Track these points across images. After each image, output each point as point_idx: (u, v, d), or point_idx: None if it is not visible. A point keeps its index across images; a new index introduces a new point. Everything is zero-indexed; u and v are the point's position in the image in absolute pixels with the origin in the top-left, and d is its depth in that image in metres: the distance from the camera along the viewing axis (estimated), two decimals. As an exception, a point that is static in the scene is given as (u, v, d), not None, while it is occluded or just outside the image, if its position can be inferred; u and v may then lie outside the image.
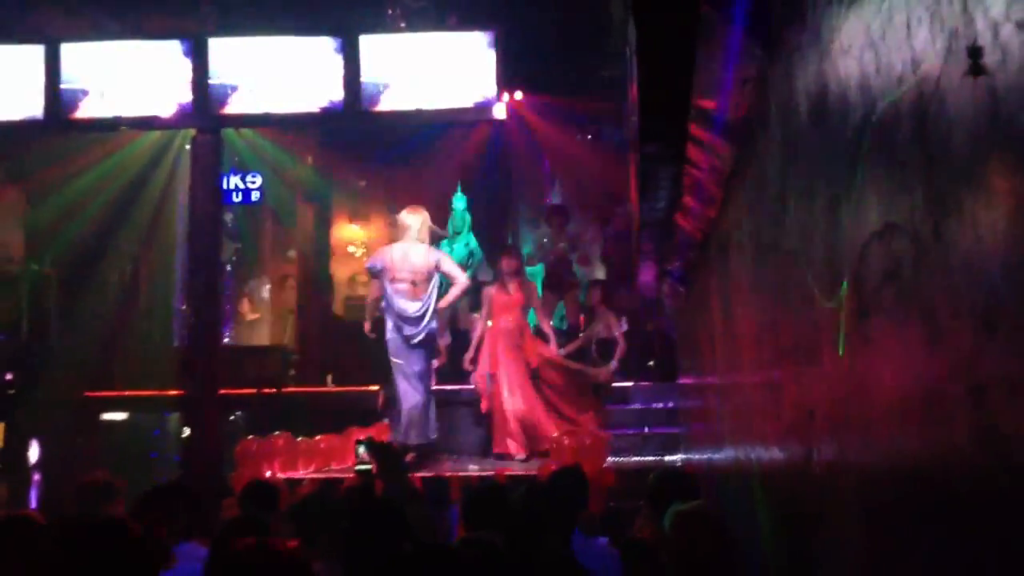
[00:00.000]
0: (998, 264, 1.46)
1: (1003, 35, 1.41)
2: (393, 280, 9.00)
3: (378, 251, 9.85)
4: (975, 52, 1.51)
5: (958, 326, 1.62)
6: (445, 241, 12.28)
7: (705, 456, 6.81)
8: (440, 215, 12.77)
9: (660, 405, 9.88)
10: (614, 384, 10.12)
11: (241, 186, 14.96)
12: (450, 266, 9.32)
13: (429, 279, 9.08)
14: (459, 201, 12.32)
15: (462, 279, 9.32)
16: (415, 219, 9.26)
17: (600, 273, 11.89)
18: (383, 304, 9.24)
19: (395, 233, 9.71)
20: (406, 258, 9.05)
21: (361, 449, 6.01)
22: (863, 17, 2.16)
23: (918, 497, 1.85)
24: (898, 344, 1.94)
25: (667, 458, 8.89)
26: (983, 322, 1.51)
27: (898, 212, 1.93)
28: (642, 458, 8.97)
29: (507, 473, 7.87)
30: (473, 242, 11.62)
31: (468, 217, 11.76)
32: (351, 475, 8.03)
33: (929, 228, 1.76)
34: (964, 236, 1.60)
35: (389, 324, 9.13)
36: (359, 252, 15.11)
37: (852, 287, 2.25)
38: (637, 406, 10.14)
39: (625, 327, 10.38)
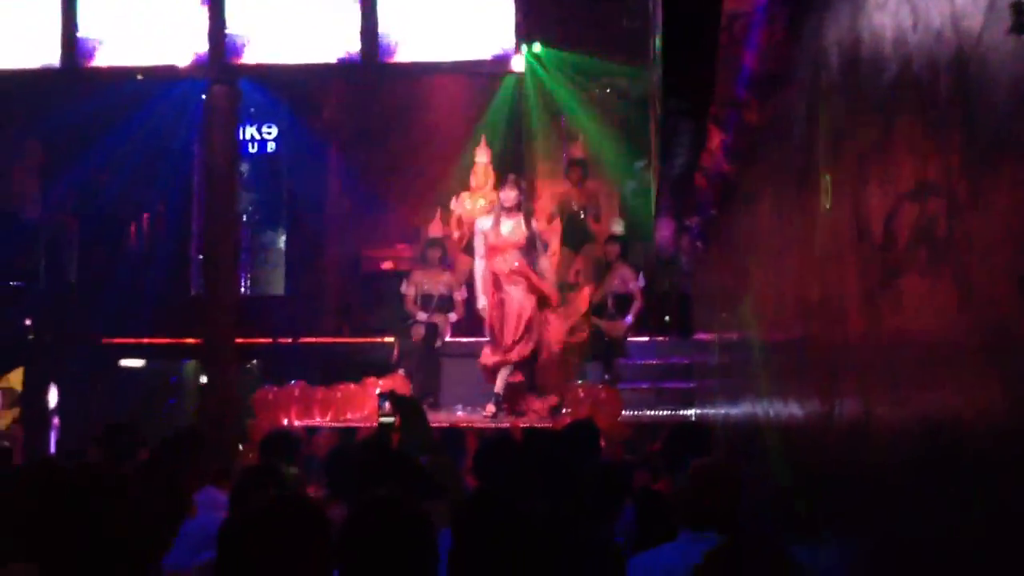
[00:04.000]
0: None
1: (1052, -9, 1.39)
2: None
3: None
4: (1019, 9, 1.49)
5: (993, 287, 1.61)
6: (467, 195, 12.23)
7: (720, 411, 6.83)
8: (458, 168, 12.75)
9: (676, 360, 9.90)
10: (630, 339, 10.13)
11: (257, 137, 14.93)
12: None
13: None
14: (481, 156, 12.27)
15: None
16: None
17: (617, 228, 11.85)
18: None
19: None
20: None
21: (385, 402, 6.05)
22: (900, -29, 2.13)
23: (945, 455, 1.85)
24: (930, 304, 1.93)
25: (682, 412, 8.92)
26: (1019, 283, 1.50)
27: (933, 171, 1.91)
28: (656, 412, 9.00)
29: (522, 425, 7.89)
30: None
31: (491, 172, 11.67)
32: (368, 424, 8.10)
33: (965, 188, 1.74)
34: (1001, 197, 1.58)
35: None
36: (374, 203, 15.09)
37: (882, 245, 2.23)
38: (652, 361, 10.16)
39: (643, 283, 10.34)
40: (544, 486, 3.54)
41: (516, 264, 8.70)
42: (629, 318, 9.96)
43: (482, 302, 9.06)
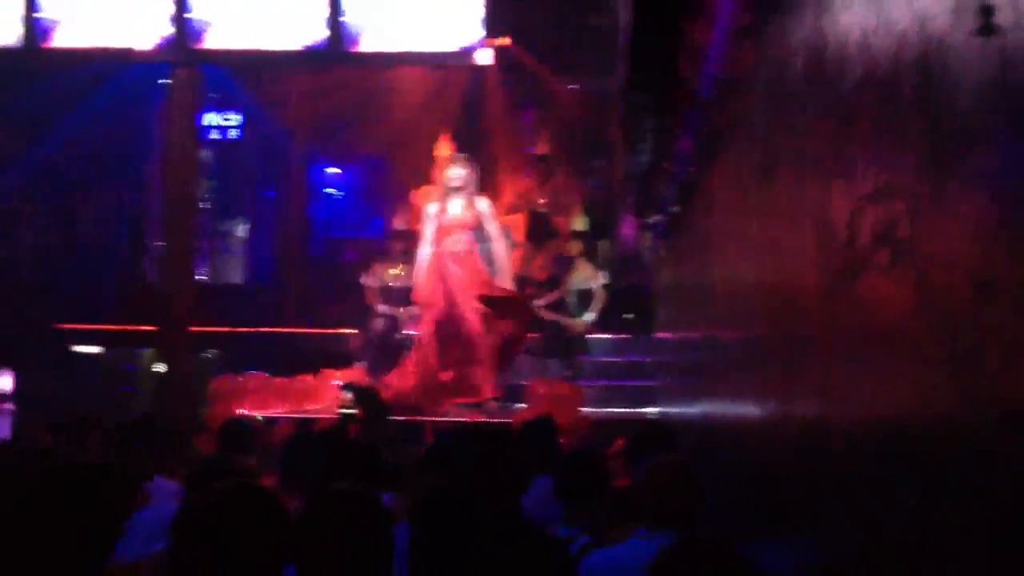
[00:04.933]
0: (997, 226, 1.45)
1: (1018, -5, 1.39)
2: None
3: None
4: (986, 11, 1.49)
5: (952, 289, 1.62)
6: (431, 188, 12.17)
7: (681, 409, 6.86)
8: (424, 161, 12.70)
9: (636, 358, 9.93)
10: (591, 336, 10.14)
11: (219, 123, 14.78)
12: None
13: None
14: (445, 150, 12.22)
15: None
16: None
17: (580, 224, 11.86)
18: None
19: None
20: None
21: (347, 393, 6.01)
22: (867, -28, 2.13)
23: (902, 453, 1.86)
24: (890, 304, 1.94)
25: (642, 410, 8.95)
26: (978, 283, 1.51)
27: (896, 172, 1.92)
28: (616, 409, 9.01)
29: (480, 420, 7.88)
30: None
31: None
32: (326, 416, 8.05)
33: (927, 189, 1.75)
34: (963, 199, 1.59)
35: None
36: (338, 194, 15.01)
37: (843, 247, 2.25)
38: (613, 358, 10.18)
39: (604, 279, 10.35)
40: (499, 481, 3.53)
41: (463, 245, 8.48)
42: (590, 314, 9.97)
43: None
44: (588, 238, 10.80)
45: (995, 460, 1.44)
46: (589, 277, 10.13)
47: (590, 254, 10.51)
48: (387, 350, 9.88)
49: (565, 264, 10.61)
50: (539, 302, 10.12)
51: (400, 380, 8.50)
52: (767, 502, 3.28)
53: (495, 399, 8.42)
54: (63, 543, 2.42)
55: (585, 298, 10.04)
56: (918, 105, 1.80)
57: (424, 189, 11.69)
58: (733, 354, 4.15)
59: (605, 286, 10.19)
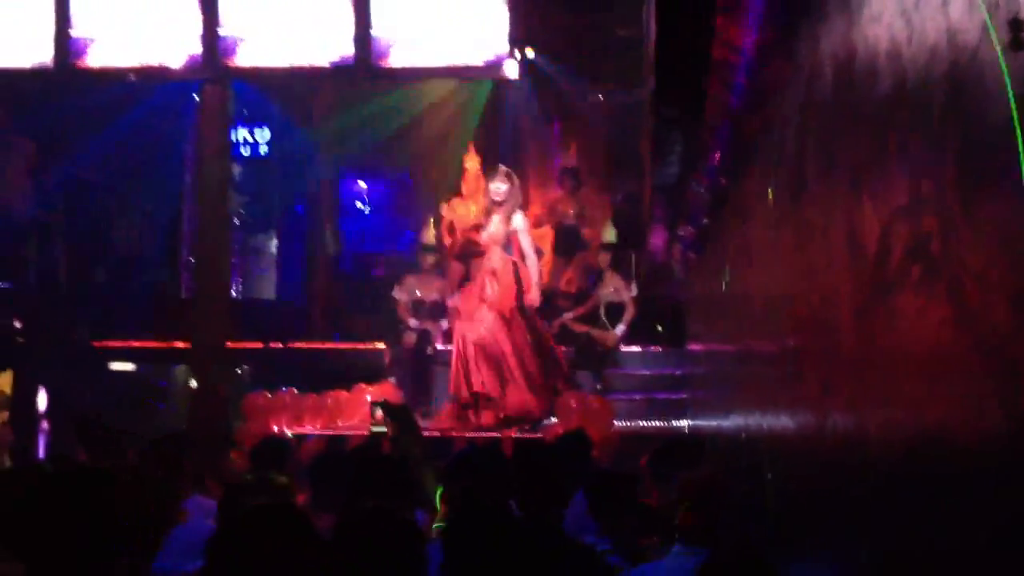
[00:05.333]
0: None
1: (1050, 9, 1.38)
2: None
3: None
4: (1017, 25, 1.48)
5: (986, 304, 1.60)
6: (458, 201, 12.20)
7: (712, 423, 6.82)
8: (452, 174, 12.74)
9: (668, 371, 9.88)
10: (622, 348, 10.11)
11: (249, 139, 14.88)
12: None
13: None
14: (472, 162, 12.24)
15: None
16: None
17: (609, 236, 11.83)
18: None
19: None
20: None
21: (378, 411, 6.00)
22: (896, -15, 2.12)
23: (937, 470, 1.84)
24: (923, 320, 1.92)
25: (673, 423, 8.90)
26: (1013, 299, 1.49)
27: (927, 186, 1.91)
28: (648, 423, 8.97)
29: (512, 435, 7.87)
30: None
31: (482, 178, 11.66)
32: (358, 432, 8.07)
33: (959, 204, 1.73)
34: (995, 213, 1.58)
35: None
36: (367, 209, 15.06)
37: (876, 261, 2.23)
38: (645, 371, 10.13)
39: (634, 291, 10.31)
40: (534, 497, 3.53)
41: (499, 262, 8.45)
42: (621, 327, 9.93)
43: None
44: (617, 250, 10.77)
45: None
46: (619, 289, 10.10)
47: (619, 266, 10.48)
48: (418, 365, 9.90)
49: (594, 276, 10.59)
50: (568, 315, 10.10)
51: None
52: (803, 516, 3.25)
53: (537, 418, 8.33)
54: (99, 554, 2.43)
55: (615, 311, 10.02)
56: (949, 118, 1.78)
57: (453, 201, 11.72)
58: (766, 367, 4.13)
59: (635, 298, 10.16)
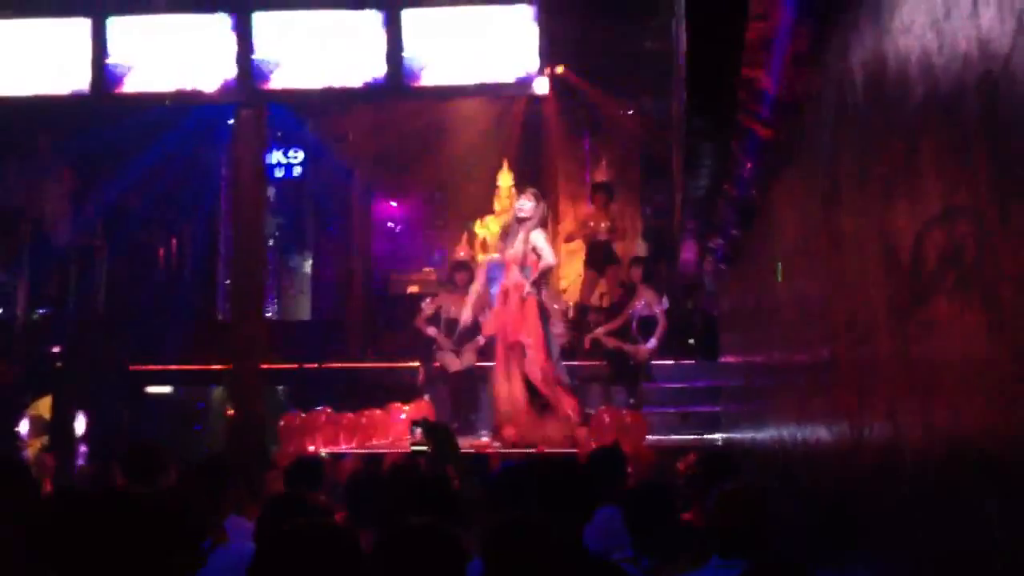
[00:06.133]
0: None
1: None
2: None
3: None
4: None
5: (1023, 310, 1.60)
6: (491, 218, 12.27)
7: (747, 435, 6.78)
8: (483, 191, 12.80)
9: (701, 384, 9.84)
10: (655, 362, 10.08)
11: (283, 161, 15.05)
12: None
13: None
14: (504, 179, 12.32)
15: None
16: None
17: (641, 250, 11.83)
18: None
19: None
20: None
21: (417, 430, 5.99)
22: (925, -5, 2.12)
23: (975, 479, 1.83)
24: (959, 328, 1.91)
25: (707, 436, 8.85)
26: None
27: (961, 194, 1.90)
28: (681, 436, 8.94)
29: (546, 451, 7.86)
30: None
31: (514, 194, 11.71)
32: (394, 450, 8.09)
33: (993, 211, 1.73)
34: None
35: None
36: (399, 228, 15.16)
37: (910, 269, 2.22)
38: (677, 384, 10.10)
39: (666, 305, 10.28)
40: (568, 512, 3.52)
41: (516, 281, 8.25)
42: (653, 341, 9.90)
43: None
44: (649, 263, 10.76)
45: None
46: (651, 303, 10.08)
47: (651, 279, 10.47)
48: (456, 382, 9.90)
49: (627, 290, 10.58)
50: (600, 330, 10.09)
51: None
52: (839, 526, 3.23)
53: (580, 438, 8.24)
54: (140, 574, 2.45)
55: (647, 325, 9.99)
56: (982, 127, 1.78)
57: (486, 219, 11.77)
58: (800, 378, 4.11)
59: (666, 311, 10.13)
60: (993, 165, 1.73)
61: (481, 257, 8.81)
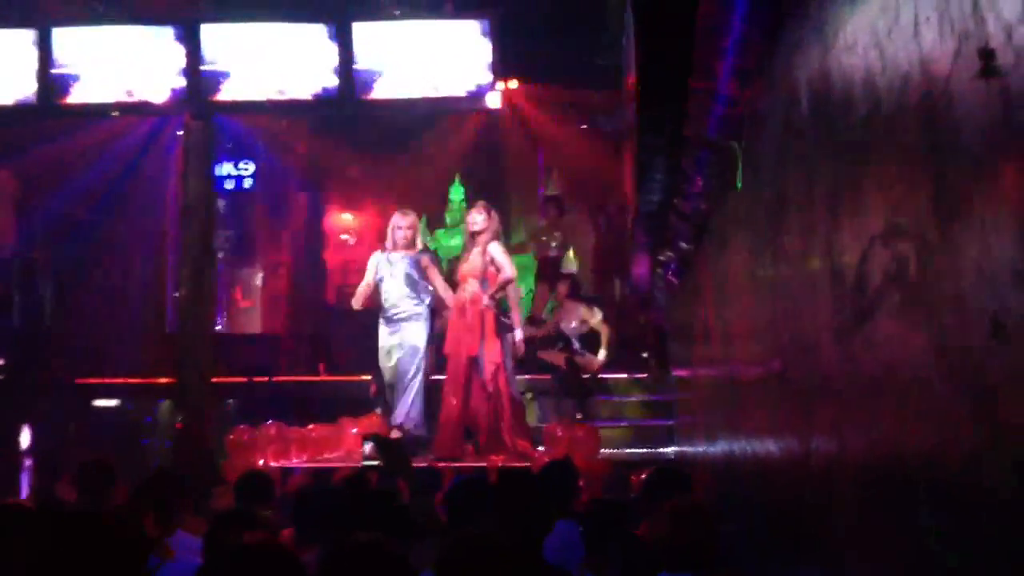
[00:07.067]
0: (1007, 267, 1.45)
1: (1017, 38, 1.40)
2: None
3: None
4: (988, 54, 1.51)
5: (965, 329, 1.62)
6: (442, 232, 12.25)
7: (699, 448, 6.82)
8: (435, 205, 12.79)
9: (654, 397, 9.88)
10: (604, 376, 10.10)
11: (233, 173, 14.91)
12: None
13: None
14: (456, 192, 12.30)
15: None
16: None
17: (571, 267, 11.80)
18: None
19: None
20: None
21: (368, 446, 5.93)
22: (868, 15, 2.15)
23: (919, 495, 1.85)
24: (903, 345, 1.93)
25: (660, 450, 8.89)
26: (992, 325, 1.50)
27: (904, 212, 1.93)
28: (634, 450, 8.97)
29: (499, 464, 7.84)
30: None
31: (465, 208, 11.71)
32: (344, 465, 8.02)
33: (935, 230, 1.75)
34: (971, 238, 1.59)
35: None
36: (352, 240, 15.10)
37: (855, 286, 2.24)
38: (630, 398, 10.14)
39: (600, 315, 10.20)
40: (519, 526, 3.51)
41: (474, 294, 8.25)
42: (603, 352, 9.88)
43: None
44: (575, 279, 10.76)
45: (1012, 505, 1.43)
46: (585, 318, 10.05)
47: (577, 294, 10.41)
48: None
49: (555, 307, 10.56)
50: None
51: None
52: (788, 539, 3.25)
53: (527, 451, 8.21)
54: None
55: (590, 339, 9.99)
56: (924, 146, 1.80)
57: (436, 232, 11.71)
58: (750, 392, 4.14)
59: (605, 320, 10.12)
60: (933, 184, 1.75)
61: (377, 254, 8.69)
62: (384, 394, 9.62)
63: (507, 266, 8.25)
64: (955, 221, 1.65)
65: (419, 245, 8.89)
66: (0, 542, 3.54)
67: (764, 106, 3.53)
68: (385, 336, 8.74)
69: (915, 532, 1.88)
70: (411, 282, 8.63)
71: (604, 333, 9.95)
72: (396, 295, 8.64)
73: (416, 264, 8.68)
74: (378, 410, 9.76)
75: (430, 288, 8.66)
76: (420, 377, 8.60)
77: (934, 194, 1.75)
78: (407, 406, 8.53)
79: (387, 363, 8.74)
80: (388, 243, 8.80)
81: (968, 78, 1.57)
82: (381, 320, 8.77)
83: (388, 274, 8.68)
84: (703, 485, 5.70)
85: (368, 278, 8.80)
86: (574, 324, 10.00)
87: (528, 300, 10.99)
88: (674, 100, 4.32)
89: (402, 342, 8.61)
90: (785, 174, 3.15)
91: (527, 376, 9.81)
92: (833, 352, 2.48)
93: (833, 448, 2.54)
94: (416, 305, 8.65)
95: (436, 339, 8.92)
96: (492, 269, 8.25)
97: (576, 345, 9.97)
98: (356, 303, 8.87)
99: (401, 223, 8.76)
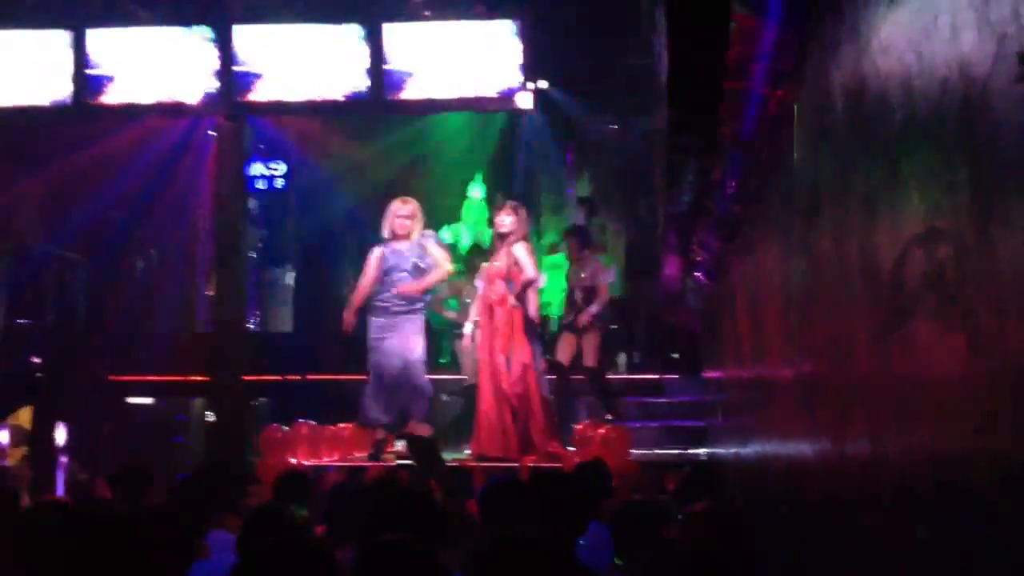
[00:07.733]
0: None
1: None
2: None
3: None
4: (1026, 57, 1.50)
5: (1002, 332, 1.61)
6: (457, 225, 12.29)
7: (730, 451, 6.80)
8: (460, 202, 12.86)
9: (684, 398, 9.84)
10: (636, 376, 10.06)
11: (265, 173, 15.00)
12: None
13: None
14: (475, 190, 12.36)
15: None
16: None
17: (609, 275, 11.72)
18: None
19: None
20: None
21: (400, 444, 5.91)
22: (905, 17, 2.14)
23: (956, 500, 1.84)
24: (940, 348, 1.92)
25: (691, 451, 8.86)
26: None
27: (941, 216, 1.92)
28: (666, 451, 8.94)
29: (530, 465, 7.84)
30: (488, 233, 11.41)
31: (484, 208, 11.76)
32: (376, 464, 8.06)
33: (973, 233, 1.74)
34: (1009, 242, 1.59)
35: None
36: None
37: (890, 290, 2.23)
38: (661, 399, 10.11)
39: (611, 279, 9.95)
40: (555, 527, 3.52)
41: (501, 295, 8.18)
42: (595, 306, 9.57)
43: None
44: (582, 231, 10.46)
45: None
46: (595, 272, 9.70)
47: (590, 246, 10.16)
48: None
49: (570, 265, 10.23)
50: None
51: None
52: (821, 544, 3.24)
53: (558, 451, 8.17)
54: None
55: (590, 293, 9.66)
56: (961, 149, 1.80)
57: (453, 228, 11.74)
58: (783, 394, 4.12)
59: (649, 325, 10.03)
60: (972, 188, 1.74)
61: (376, 251, 8.52)
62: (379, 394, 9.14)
63: (529, 267, 8.20)
64: (993, 224, 1.64)
65: (418, 232, 8.65)
66: (41, 539, 3.60)
67: (799, 107, 3.51)
68: (379, 331, 8.50)
69: (954, 540, 1.87)
70: (419, 273, 8.41)
71: (603, 293, 9.60)
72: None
73: (422, 252, 8.45)
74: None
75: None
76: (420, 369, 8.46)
77: (972, 198, 1.74)
78: (422, 403, 8.45)
79: (385, 359, 8.47)
80: (386, 232, 8.48)
81: (1007, 81, 1.56)
82: (373, 315, 8.51)
83: (396, 266, 8.41)
84: (735, 486, 5.68)
85: (370, 274, 8.52)
86: (584, 277, 9.73)
87: (561, 299, 10.91)
88: (707, 101, 4.30)
89: (399, 336, 8.42)
90: (819, 176, 3.13)
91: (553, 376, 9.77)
92: (869, 355, 2.47)
93: (868, 452, 2.53)
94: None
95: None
96: (516, 270, 8.22)
97: (579, 300, 9.67)
98: (356, 302, 8.69)
99: (402, 210, 8.48)
